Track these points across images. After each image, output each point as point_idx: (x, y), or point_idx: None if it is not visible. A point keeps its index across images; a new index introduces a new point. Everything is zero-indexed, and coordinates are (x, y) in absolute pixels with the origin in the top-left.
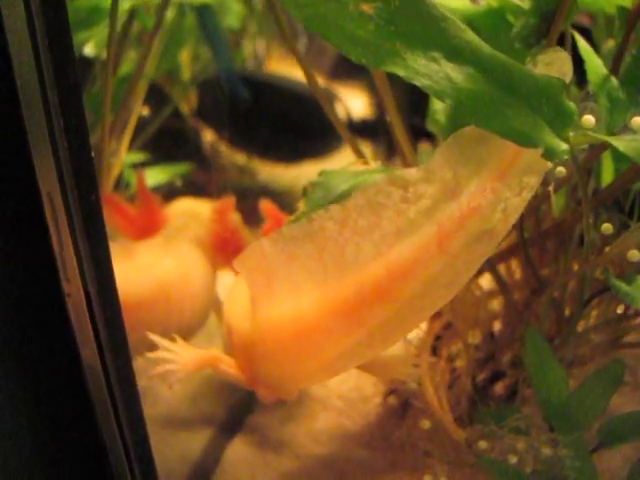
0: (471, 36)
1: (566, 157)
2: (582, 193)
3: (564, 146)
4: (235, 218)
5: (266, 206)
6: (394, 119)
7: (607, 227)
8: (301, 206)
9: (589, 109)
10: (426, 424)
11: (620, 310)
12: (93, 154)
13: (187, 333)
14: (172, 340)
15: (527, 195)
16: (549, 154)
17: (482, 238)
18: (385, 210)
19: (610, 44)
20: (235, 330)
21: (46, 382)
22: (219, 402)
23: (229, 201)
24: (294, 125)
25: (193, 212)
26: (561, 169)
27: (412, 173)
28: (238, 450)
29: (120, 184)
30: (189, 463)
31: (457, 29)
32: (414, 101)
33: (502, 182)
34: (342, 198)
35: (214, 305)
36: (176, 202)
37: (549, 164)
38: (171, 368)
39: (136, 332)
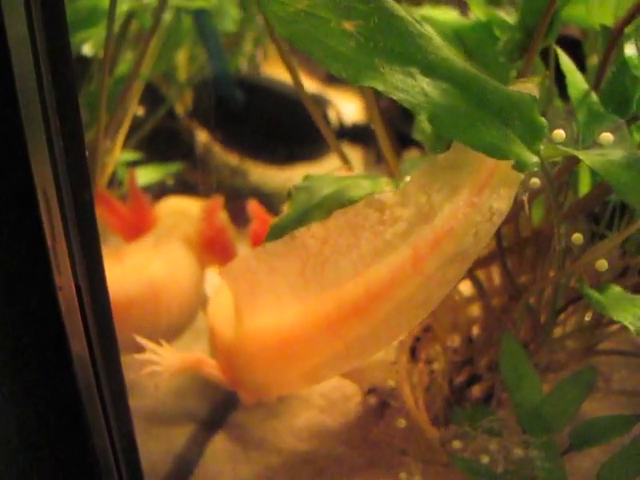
0: (446, 53)
1: (536, 169)
2: (553, 203)
3: (534, 158)
4: (222, 217)
5: (253, 207)
6: (377, 128)
7: (578, 237)
8: (285, 209)
9: (563, 123)
10: (402, 423)
11: (590, 317)
12: (87, 152)
13: (175, 331)
14: (158, 343)
15: (497, 220)
16: (519, 166)
17: (455, 260)
18: (363, 231)
19: (594, 60)
20: (218, 335)
21: (35, 373)
22: (203, 398)
23: (217, 201)
24: (287, 128)
25: (182, 210)
26: (535, 180)
27: (389, 196)
28: (221, 445)
29: (114, 182)
30: (172, 456)
31: (433, 46)
32: (404, 109)
33: (474, 206)
34: (325, 201)
35: (202, 303)
36: (165, 200)
37: (521, 177)
38: (156, 369)
39: (126, 331)
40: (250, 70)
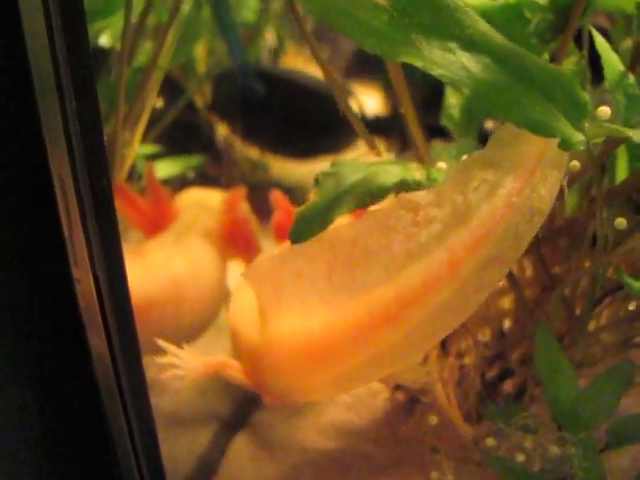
0: (485, 26)
1: (582, 148)
2: (596, 186)
3: (580, 136)
4: (245, 209)
5: (277, 197)
6: (408, 111)
7: (621, 222)
8: (312, 196)
9: (604, 101)
10: (434, 420)
11: (626, 310)
12: (106, 144)
13: (199, 330)
14: (181, 345)
15: (538, 221)
16: (565, 144)
17: (493, 263)
18: (395, 233)
19: (628, 43)
20: (242, 338)
21: (54, 369)
22: (226, 396)
23: (239, 192)
24: (308, 120)
25: (203, 202)
26: (575, 163)
27: (423, 196)
28: (244, 444)
29: (133, 175)
30: (195, 456)
31: (471, 19)
32: (427, 100)
33: (513, 206)
34: (353, 188)
35: (225, 299)
36: (186, 192)
37: (561, 175)
38: (178, 373)
39: (147, 333)
40: (270, 62)
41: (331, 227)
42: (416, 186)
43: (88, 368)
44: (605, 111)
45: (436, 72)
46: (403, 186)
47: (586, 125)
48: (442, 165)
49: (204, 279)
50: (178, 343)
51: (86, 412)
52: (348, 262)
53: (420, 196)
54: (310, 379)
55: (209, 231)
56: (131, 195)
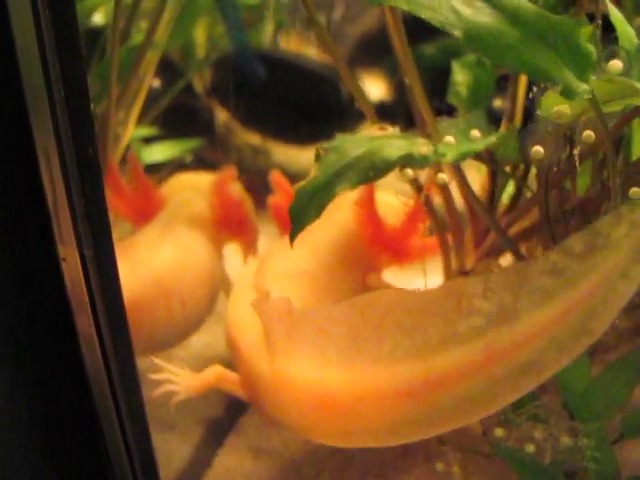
0: None
1: (587, 97)
2: (610, 160)
3: (584, 86)
4: (237, 189)
5: (276, 178)
6: (414, 85)
7: (636, 192)
8: (312, 171)
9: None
10: None
11: None
12: (99, 124)
13: (195, 322)
14: (176, 341)
15: (587, 341)
16: (567, 93)
17: (530, 371)
18: (434, 317)
19: (638, 22)
20: (242, 354)
21: (41, 352)
22: (218, 396)
23: (229, 173)
24: (310, 105)
25: (194, 186)
26: (589, 133)
27: (470, 285)
28: (241, 434)
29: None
30: (190, 446)
31: None
32: (435, 85)
33: (561, 324)
34: (356, 162)
35: (222, 284)
36: (176, 177)
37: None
38: (173, 389)
39: (138, 334)
40: (272, 45)
41: (363, 296)
42: (422, 160)
43: (77, 353)
44: (616, 65)
45: (424, 14)
46: (409, 160)
47: (593, 78)
48: (450, 139)
49: (194, 270)
50: (173, 339)
51: (74, 396)
52: (377, 330)
53: (468, 285)
54: (313, 425)
55: (200, 217)
56: (119, 184)
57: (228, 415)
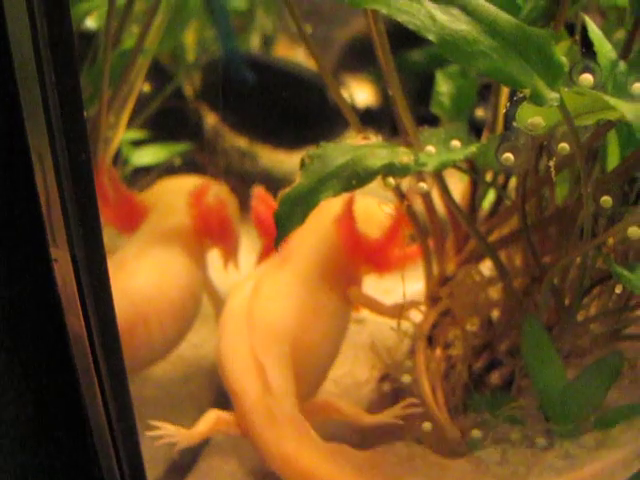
0: None
1: (556, 104)
2: (582, 170)
3: (554, 94)
4: (219, 195)
5: (258, 192)
6: (397, 95)
7: (606, 200)
8: (297, 178)
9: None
10: (427, 426)
11: (615, 301)
12: (90, 126)
13: (174, 341)
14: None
15: None
16: (537, 100)
17: None
18: None
19: (620, 34)
20: (240, 399)
21: (32, 350)
22: (209, 385)
23: (205, 185)
24: (298, 110)
25: (179, 190)
26: (564, 145)
27: None
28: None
29: (118, 160)
30: (167, 459)
31: None
32: (419, 93)
33: None
34: (340, 170)
35: (207, 290)
36: (161, 181)
37: None
38: (173, 440)
39: None
40: (261, 51)
41: None
42: (404, 170)
43: (66, 348)
44: (587, 78)
45: (401, 18)
46: (391, 169)
47: (565, 89)
48: (430, 149)
49: (173, 291)
50: (153, 360)
51: (64, 395)
52: None
53: None
54: None
55: (180, 228)
56: (102, 190)
57: (222, 401)
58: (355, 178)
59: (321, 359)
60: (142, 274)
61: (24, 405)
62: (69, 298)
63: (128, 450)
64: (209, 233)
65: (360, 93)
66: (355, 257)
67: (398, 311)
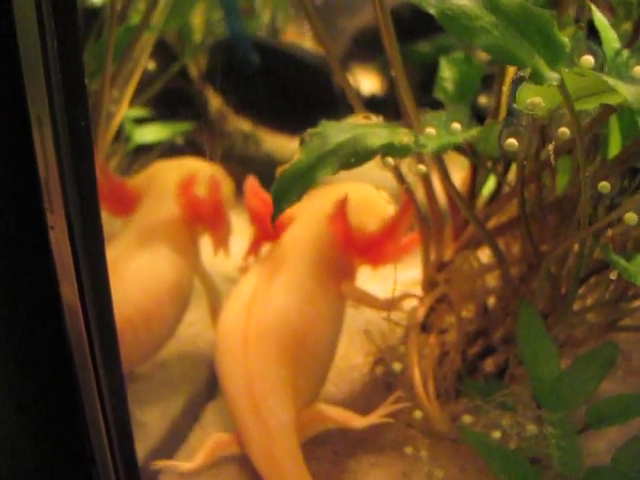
0: None
1: (556, 83)
2: (580, 155)
3: (554, 74)
4: (213, 176)
5: (251, 185)
6: (399, 75)
7: (605, 186)
8: (296, 155)
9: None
10: (417, 414)
11: (612, 291)
12: (93, 101)
13: (162, 339)
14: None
15: None
16: (536, 79)
17: None
18: None
19: (627, 26)
20: (240, 425)
21: (24, 320)
22: (203, 361)
23: (194, 173)
24: (302, 95)
25: (175, 173)
26: (565, 129)
27: None
28: (218, 411)
29: (121, 137)
30: (167, 421)
31: None
32: (427, 81)
33: None
34: (339, 148)
35: (200, 277)
36: (154, 166)
37: None
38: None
39: None
40: (268, 35)
41: None
42: (403, 150)
43: (59, 318)
44: (588, 59)
45: None
46: (390, 149)
47: (565, 70)
48: (431, 131)
49: (159, 290)
50: (141, 359)
51: (55, 365)
52: None
53: None
54: None
55: (172, 217)
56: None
57: (207, 391)
58: (354, 156)
59: (321, 359)
60: (128, 278)
61: (15, 374)
62: (64, 266)
63: (118, 425)
64: (200, 220)
65: (366, 82)
66: (348, 252)
67: (392, 305)
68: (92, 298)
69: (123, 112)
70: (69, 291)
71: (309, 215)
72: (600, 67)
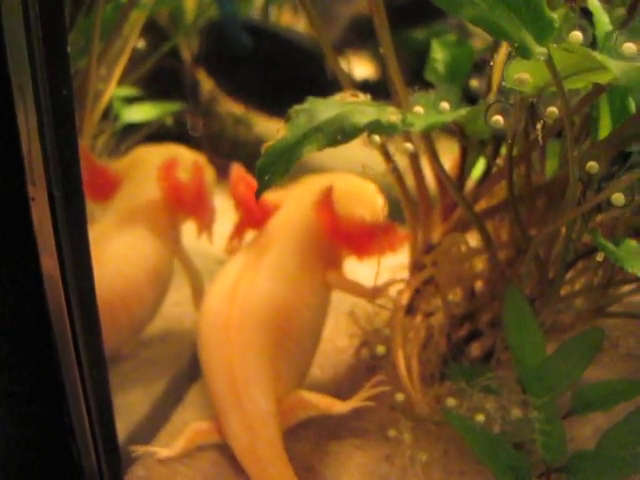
0: None
1: (543, 59)
2: (567, 131)
3: (541, 48)
4: (192, 166)
5: (237, 171)
6: (388, 54)
7: (592, 166)
8: (282, 131)
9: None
10: (400, 397)
11: (600, 277)
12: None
13: (143, 322)
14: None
15: None
16: (523, 53)
17: None
18: None
19: (620, 11)
20: (223, 415)
21: (3, 293)
22: (188, 343)
23: (176, 157)
24: (295, 78)
25: (156, 159)
26: (553, 109)
27: None
28: (202, 392)
29: (109, 116)
30: (150, 400)
31: None
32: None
33: None
34: (325, 125)
35: (180, 261)
36: (137, 150)
37: None
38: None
39: None
40: (261, 18)
41: None
42: (390, 128)
43: (40, 292)
44: (577, 35)
45: None
46: (377, 127)
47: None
48: (419, 110)
49: (138, 274)
50: (122, 343)
51: (35, 339)
52: None
53: None
54: None
55: (152, 202)
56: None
57: (190, 372)
58: (340, 133)
59: (305, 347)
60: (107, 260)
61: None
62: (45, 238)
63: (99, 402)
64: (182, 206)
65: (359, 69)
66: (334, 240)
67: (378, 293)
68: (72, 270)
69: (111, 90)
70: (49, 263)
71: (296, 202)
72: (590, 46)
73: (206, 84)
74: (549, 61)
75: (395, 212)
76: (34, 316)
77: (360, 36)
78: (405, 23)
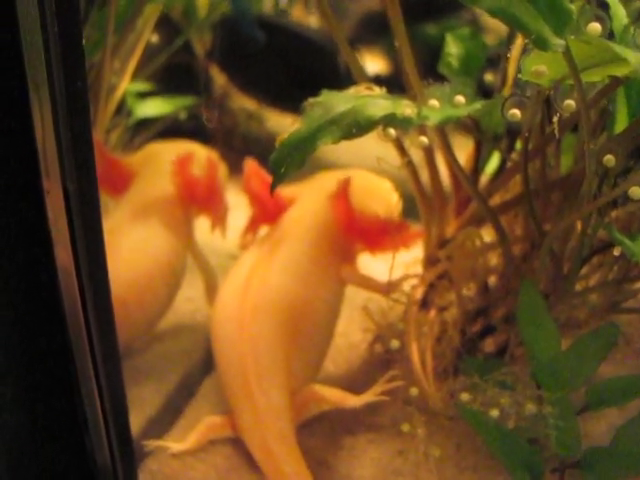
0: None
1: (561, 50)
2: (585, 125)
3: (559, 40)
4: (205, 162)
5: (251, 166)
6: (403, 46)
7: (609, 159)
8: (297, 124)
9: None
10: (414, 391)
11: (615, 272)
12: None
13: (155, 318)
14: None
15: None
16: (541, 45)
17: None
18: None
19: (638, 4)
20: (237, 411)
21: (17, 286)
22: (201, 337)
23: (190, 152)
24: (307, 74)
25: (169, 155)
26: (570, 102)
27: None
28: (214, 385)
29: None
30: (163, 394)
31: None
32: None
33: None
34: (340, 118)
35: (193, 257)
36: (149, 147)
37: None
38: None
39: None
40: (274, 13)
41: None
42: (405, 121)
43: (55, 286)
44: (595, 27)
45: None
46: (392, 120)
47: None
48: (434, 103)
49: (151, 270)
50: (134, 339)
51: (50, 332)
52: None
53: None
54: None
55: (165, 197)
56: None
57: (203, 366)
58: (355, 126)
59: (318, 342)
60: (120, 255)
61: (10, 339)
62: (59, 231)
63: (112, 396)
64: (195, 201)
65: (372, 65)
66: (349, 235)
67: (392, 288)
68: (87, 263)
69: (125, 85)
70: (64, 255)
71: (310, 197)
72: (608, 38)
73: (219, 79)
74: (567, 53)
75: (409, 209)
76: (48, 309)
77: (371, 32)
78: (418, 18)
